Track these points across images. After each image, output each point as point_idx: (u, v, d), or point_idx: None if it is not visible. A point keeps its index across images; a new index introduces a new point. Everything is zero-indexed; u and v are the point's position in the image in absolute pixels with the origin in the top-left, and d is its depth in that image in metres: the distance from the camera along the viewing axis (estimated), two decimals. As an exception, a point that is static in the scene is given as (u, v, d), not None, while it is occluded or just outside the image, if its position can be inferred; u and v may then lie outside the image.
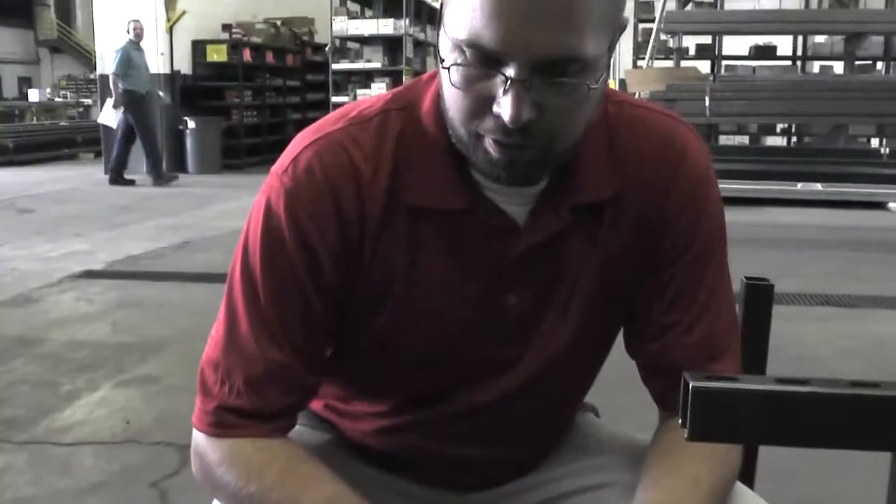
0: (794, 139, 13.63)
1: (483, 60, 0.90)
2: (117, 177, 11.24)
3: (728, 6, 13.38)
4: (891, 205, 8.56)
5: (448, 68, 0.92)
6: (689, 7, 13.02)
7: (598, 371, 1.24)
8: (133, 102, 10.93)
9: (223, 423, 1.06)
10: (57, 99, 24.19)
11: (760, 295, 1.42)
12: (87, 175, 12.51)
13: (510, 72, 0.88)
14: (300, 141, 1.06)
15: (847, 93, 9.40)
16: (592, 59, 0.90)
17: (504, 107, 0.89)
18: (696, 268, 1.10)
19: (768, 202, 8.67)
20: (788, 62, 14.49)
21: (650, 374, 1.17)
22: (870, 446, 0.75)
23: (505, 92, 0.89)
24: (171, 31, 12.32)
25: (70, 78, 28.28)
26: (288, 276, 1.04)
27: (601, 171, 1.06)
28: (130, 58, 10.92)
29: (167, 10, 12.16)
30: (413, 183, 1.03)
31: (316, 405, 1.25)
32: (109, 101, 11.05)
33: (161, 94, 12.40)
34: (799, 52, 14.35)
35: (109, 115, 11.04)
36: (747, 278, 1.44)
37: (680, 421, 0.75)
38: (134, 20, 11.19)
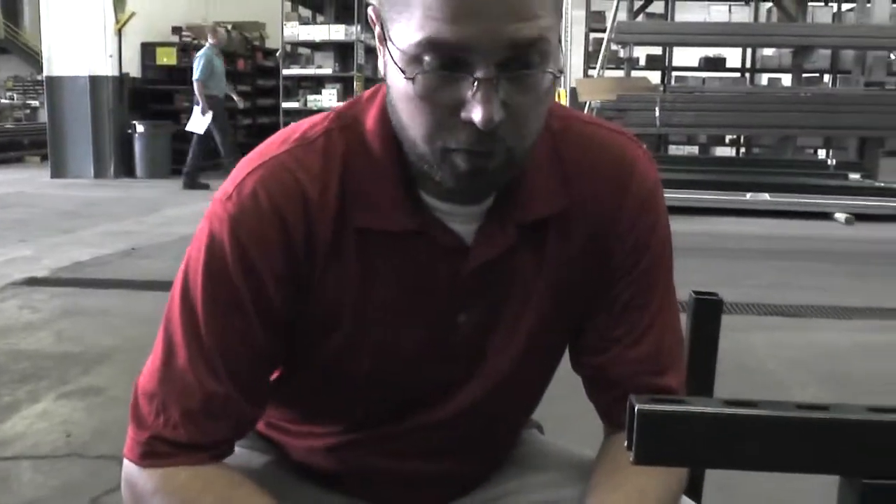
0: (742, 150, 13.84)
1: (446, 64, 0.87)
2: (192, 182, 11.06)
3: (679, 18, 13.54)
4: (837, 215, 8.69)
5: (412, 79, 0.88)
6: (640, 18, 13.17)
7: (547, 386, 1.23)
8: (215, 106, 10.88)
9: (156, 452, 1.03)
10: (3, 100, 23.74)
11: (709, 310, 1.41)
12: (34, 178, 12.30)
13: (478, 72, 0.86)
14: (243, 167, 1.03)
15: (794, 105, 9.56)
16: (553, 45, 0.89)
17: (475, 110, 0.87)
18: (644, 284, 1.10)
19: (717, 212, 8.75)
20: (737, 74, 14.73)
21: (595, 389, 1.16)
22: (819, 469, 0.74)
23: (474, 94, 0.87)
24: (119, 32, 12.15)
25: (17, 79, 27.78)
26: (230, 305, 1.01)
27: (548, 186, 1.05)
28: (213, 63, 10.86)
29: (116, 12, 11.98)
30: (361, 205, 1.01)
31: (260, 424, 1.22)
32: (197, 109, 10.94)
33: (234, 97, 12.38)
34: (748, 65, 14.62)
35: (199, 123, 10.93)
36: (696, 293, 1.44)
37: (626, 444, 0.74)
38: (216, 24, 11.14)
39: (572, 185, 1.06)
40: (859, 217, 8.59)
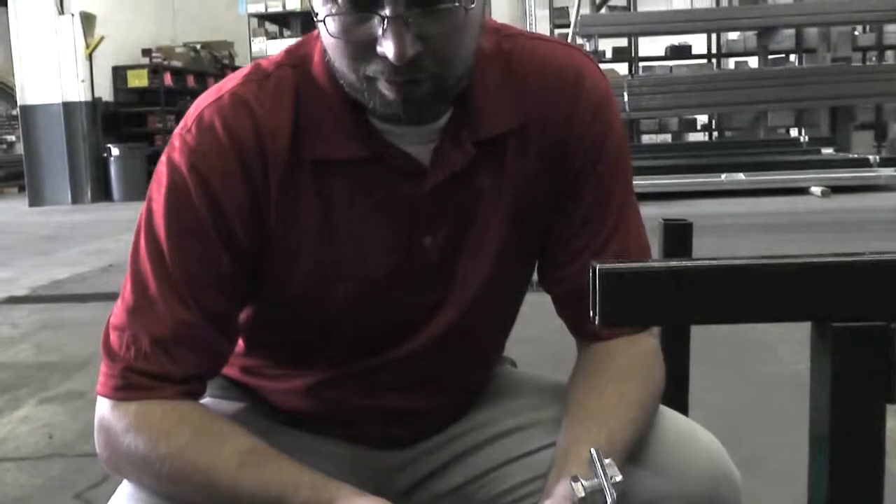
0: (715, 135, 13.89)
1: (357, 4, 0.90)
2: None
3: (641, 9, 13.59)
4: (813, 189, 8.74)
5: (323, 21, 0.93)
6: (602, 11, 13.21)
7: (517, 311, 1.24)
8: None
9: (130, 385, 1.02)
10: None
11: (679, 234, 1.42)
12: (12, 208, 12.24)
13: (386, 10, 0.89)
14: (201, 102, 1.05)
15: (762, 81, 9.57)
16: None
17: (387, 46, 0.90)
18: (602, 192, 1.11)
19: (694, 195, 8.76)
20: (704, 60, 14.79)
21: (563, 304, 1.17)
22: (788, 317, 0.73)
23: (384, 32, 0.90)
24: (90, 57, 12.10)
25: (-9, 115, 27.58)
26: (194, 234, 1.02)
27: (501, 103, 1.06)
28: None
29: (85, 37, 11.94)
30: (315, 137, 1.03)
31: (234, 371, 1.21)
32: None
33: None
34: (714, 50, 14.69)
35: None
36: (665, 220, 1.44)
37: (591, 312, 0.73)
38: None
39: (526, 101, 1.07)
40: (835, 189, 8.63)
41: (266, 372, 1.19)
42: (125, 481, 1.06)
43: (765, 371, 3.15)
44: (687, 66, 14.47)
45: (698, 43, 14.85)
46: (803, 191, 8.80)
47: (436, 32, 0.92)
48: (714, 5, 14.48)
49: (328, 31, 0.93)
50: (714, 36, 14.48)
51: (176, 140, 1.03)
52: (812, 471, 0.73)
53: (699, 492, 1.07)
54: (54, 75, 11.85)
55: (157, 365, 1.02)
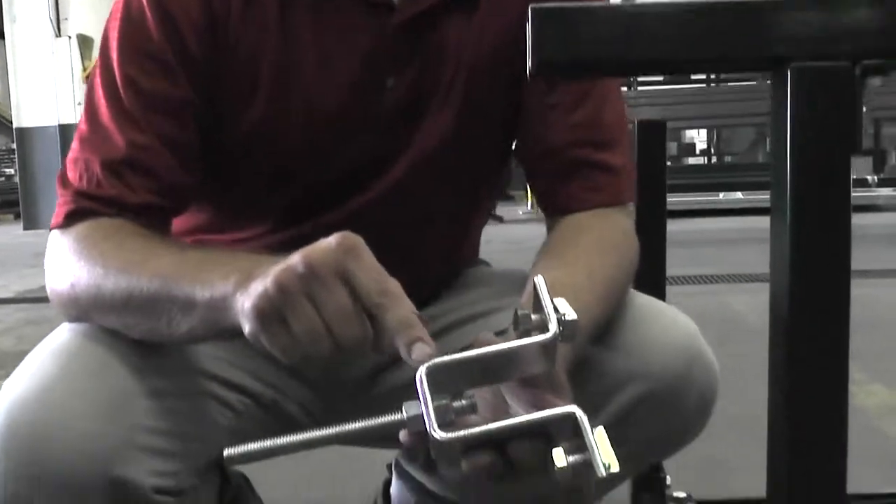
0: (714, 159, 13.85)
1: None
2: None
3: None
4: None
5: None
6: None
7: (483, 201, 1.20)
8: None
9: (79, 210, 0.96)
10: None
11: (653, 132, 1.36)
12: (7, 232, 12.23)
13: None
14: None
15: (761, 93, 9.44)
16: None
17: None
18: None
19: (691, 213, 8.71)
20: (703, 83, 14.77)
21: (534, 170, 1.12)
22: (744, 62, 0.66)
23: None
24: (87, 80, 12.12)
25: (-11, 148, 27.68)
26: (149, 56, 0.97)
27: None
28: None
29: (83, 59, 11.96)
30: None
31: (186, 239, 1.14)
32: None
33: None
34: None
35: None
36: (640, 121, 1.39)
37: (526, 62, 0.67)
38: None
39: None
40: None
41: (218, 237, 1.13)
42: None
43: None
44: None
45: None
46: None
47: None
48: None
49: None
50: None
51: None
52: (774, 234, 0.66)
53: (670, 372, 0.99)
54: (50, 98, 11.86)
55: (108, 189, 0.96)
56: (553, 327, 0.71)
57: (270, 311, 0.74)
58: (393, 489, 1.40)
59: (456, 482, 1.23)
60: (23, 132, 12.11)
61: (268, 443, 0.72)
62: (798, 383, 0.62)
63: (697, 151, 13.97)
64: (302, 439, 0.73)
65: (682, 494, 1.54)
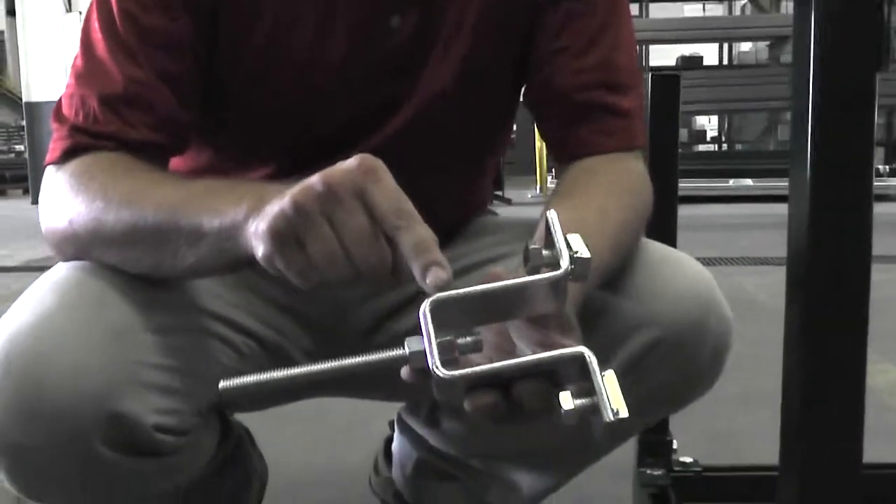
0: (724, 146, 13.82)
1: None
2: None
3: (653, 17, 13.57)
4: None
5: None
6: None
7: (493, 147, 1.17)
8: None
9: (76, 146, 0.93)
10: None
11: (667, 85, 1.35)
12: (15, 206, 12.22)
13: None
14: None
15: (771, 77, 9.37)
16: None
17: None
18: None
19: (701, 199, 8.69)
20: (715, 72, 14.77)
21: (545, 115, 1.09)
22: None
23: None
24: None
25: (1, 125, 27.71)
26: None
27: None
28: None
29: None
30: None
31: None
32: None
33: None
34: (725, 61, 14.62)
35: None
36: (652, 73, 1.37)
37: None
38: None
39: None
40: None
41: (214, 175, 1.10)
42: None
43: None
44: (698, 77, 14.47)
45: (709, 54, 14.80)
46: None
47: None
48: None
49: None
50: (725, 46, 14.43)
51: None
52: (794, 150, 0.64)
53: (684, 320, 0.96)
54: (60, 73, 11.83)
55: (105, 125, 0.93)
56: (565, 264, 0.68)
57: (287, 232, 0.71)
58: (395, 445, 1.39)
59: (458, 435, 1.21)
60: (32, 107, 12.10)
61: (265, 375, 0.69)
62: (816, 340, 0.60)
63: (708, 139, 13.93)
64: (300, 373, 0.70)
65: (688, 459, 1.52)
